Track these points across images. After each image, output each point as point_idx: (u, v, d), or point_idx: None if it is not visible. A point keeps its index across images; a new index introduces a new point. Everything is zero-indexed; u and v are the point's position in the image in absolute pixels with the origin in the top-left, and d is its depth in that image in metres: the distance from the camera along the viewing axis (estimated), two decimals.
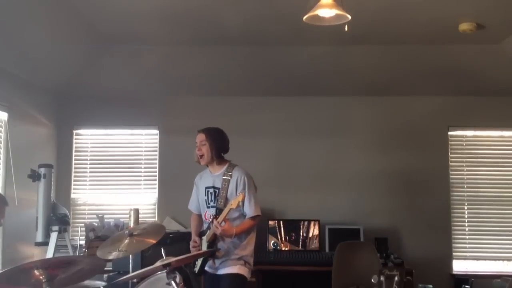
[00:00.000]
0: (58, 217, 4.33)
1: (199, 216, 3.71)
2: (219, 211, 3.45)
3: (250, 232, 3.52)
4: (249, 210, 3.45)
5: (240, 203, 3.34)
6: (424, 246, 5.36)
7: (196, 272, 3.54)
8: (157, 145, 5.63)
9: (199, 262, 3.53)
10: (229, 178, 3.49)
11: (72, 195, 5.56)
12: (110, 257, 3.18)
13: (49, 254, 4.19)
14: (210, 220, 3.48)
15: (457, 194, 5.51)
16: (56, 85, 5.28)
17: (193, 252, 3.51)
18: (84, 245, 4.93)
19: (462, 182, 5.53)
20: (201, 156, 3.56)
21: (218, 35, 4.74)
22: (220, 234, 3.36)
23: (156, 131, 5.65)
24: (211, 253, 3.43)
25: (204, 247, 3.50)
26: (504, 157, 5.54)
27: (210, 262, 3.48)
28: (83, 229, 5.12)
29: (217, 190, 3.53)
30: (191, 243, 3.60)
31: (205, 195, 3.59)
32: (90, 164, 5.64)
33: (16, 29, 4.00)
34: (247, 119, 5.51)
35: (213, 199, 3.55)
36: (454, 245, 5.43)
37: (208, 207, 3.58)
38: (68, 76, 5.22)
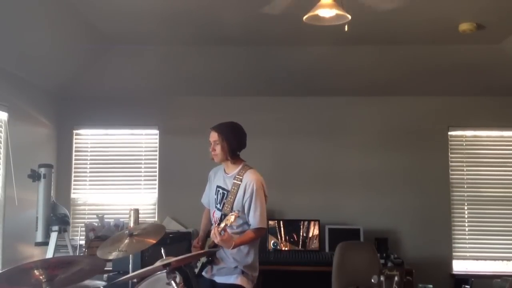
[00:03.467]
0: (58, 217, 4.33)
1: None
2: (223, 217, 3.25)
3: (254, 242, 3.35)
4: (253, 220, 3.26)
5: (235, 222, 3.12)
6: (424, 246, 5.36)
7: (195, 273, 3.43)
8: (157, 145, 5.64)
9: (199, 264, 3.40)
10: (239, 182, 3.30)
11: (72, 195, 5.56)
12: (110, 257, 3.17)
13: (49, 254, 4.19)
14: (215, 225, 3.31)
15: (457, 194, 5.51)
16: (56, 85, 5.29)
17: (194, 252, 3.40)
18: (84, 245, 4.94)
19: (462, 182, 5.53)
20: (215, 156, 3.36)
21: (218, 35, 4.74)
22: (218, 243, 3.16)
23: (156, 131, 5.65)
24: (211, 254, 3.34)
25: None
26: (504, 157, 5.54)
27: (208, 267, 3.36)
28: (83, 229, 5.12)
29: (225, 193, 3.36)
30: (194, 242, 3.48)
31: (215, 194, 3.43)
32: (90, 164, 5.64)
33: (16, 29, 4.00)
34: (247, 119, 5.38)
35: (220, 200, 3.39)
36: (454, 245, 5.43)
37: (216, 207, 3.42)
38: (68, 76, 5.23)
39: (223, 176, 3.43)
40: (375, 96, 5.55)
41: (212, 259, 3.32)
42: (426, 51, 4.99)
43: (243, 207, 3.29)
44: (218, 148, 3.33)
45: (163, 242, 3.33)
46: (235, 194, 3.30)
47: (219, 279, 3.35)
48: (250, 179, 3.30)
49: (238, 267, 3.29)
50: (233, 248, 3.18)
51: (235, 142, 3.35)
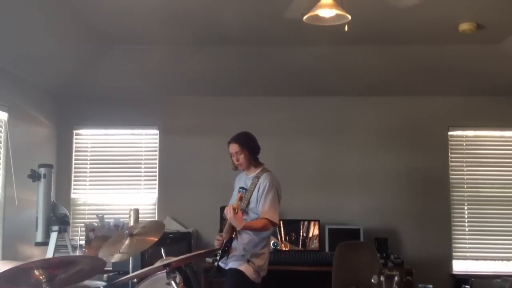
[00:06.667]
0: (58, 217, 4.34)
1: None
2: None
3: (262, 234, 3.58)
4: (261, 210, 3.54)
5: (241, 202, 3.50)
6: (424, 246, 5.36)
7: (216, 269, 3.70)
8: (157, 145, 5.63)
9: (218, 259, 3.68)
10: (257, 181, 3.61)
11: (72, 195, 5.55)
12: (113, 260, 3.18)
13: (49, 254, 4.19)
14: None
15: (457, 194, 5.51)
16: (56, 85, 5.29)
17: (216, 245, 3.63)
18: (84, 245, 4.94)
19: (462, 182, 5.53)
20: (240, 165, 3.68)
21: (218, 35, 4.74)
22: (230, 219, 3.47)
23: (156, 131, 5.65)
24: (211, 252, 3.49)
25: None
26: (504, 157, 5.54)
27: (224, 258, 3.58)
28: (83, 229, 5.12)
29: (245, 191, 3.65)
30: (217, 236, 3.68)
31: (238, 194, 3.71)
32: (90, 164, 5.64)
33: (16, 29, 4.00)
34: (247, 119, 5.50)
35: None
36: (454, 245, 5.43)
37: None
38: (68, 76, 5.22)
39: (244, 178, 3.75)
40: (375, 96, 5.55)
41: (228, 248, 3.54)
42: (426, 51, 4.99)
43: (256, 202, 3.57)
44: (241, 158, 3.66)
45: (163, 242, 3.35)
46: (251, 191, 3.60)
47: (228, 266, 3.58)
48: (265, 179, 3.62)
49: (245, 255, 3.53)
50: (242, 229, 3.47)
51: (254, 148, 3.71)
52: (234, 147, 3.66)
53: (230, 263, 3.56)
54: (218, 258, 3.67)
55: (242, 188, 3.70)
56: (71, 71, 5.17)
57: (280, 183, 3.69)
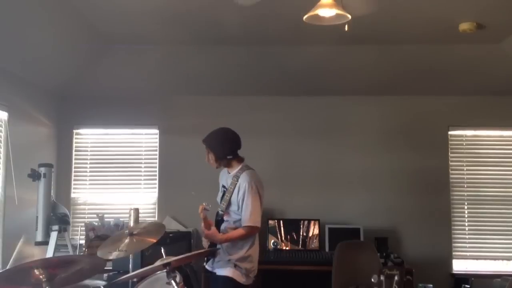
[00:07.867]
0: (58, 217, 4.33)
1: None
2: (220, 213, 3.58)
3: (245, 239, 3.51)
4: (243, 217, 3.47)
5: (206, 211, 3.46)
6: (424, 246, 5.36)
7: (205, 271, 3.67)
8: (157, 145, 5.64)
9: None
10: (236, 182, 3.52)
11: (72, 195, 5.56)
12: (111, 257, 3.18)
13: (49, 253, 4.19)
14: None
15: (457, 194, 5.51)
16: (56, 85, 5.29)
17: (204, 243, 3.61)
18: (84, 244, 4.94)
19: (462, 182, 5.53)
20: (210, 163, 3.65)
21: (218, 35, 4.74)
22: (206, 237, 3.52)
23: (156, 131, 5.65)
24: (211, 253, 3.48)
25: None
26: (504, 157, 5.54)
27: (210, 260, 3.56)
28: (83, 228, 5.12)
29: (225, 190, 3.59)
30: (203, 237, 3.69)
31: (220, 192, 3.68)
32: (90, 163, 5.64)
33: (16, 29, 4.01)
34: (247, 119, 5.51)
35: (221, 198, 3.62)
36: (454, 245, 5.44)
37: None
38: (68, 76, 5.23)
39: (226, 176, 3.66)
40: (375, 96, 5.55)
41: (214, 250, 3.51)
42: (426, 51, 4.99)
43: (237, 205, 3.50)
44: (208, 157, 3.63)
45: (163, 241, 3.35)
46: (231, 192, 3.52)
47: (216, 271, 3.52)
48: (244, 179, 3.51)
49: (231, 260, 3.47)
50: (221, 243, 3.46)
51: (220, 150, 3.58)
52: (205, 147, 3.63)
53: (217, 269, 3.51)
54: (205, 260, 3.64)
55: (223, 187, 3.63)
56: (71, 71, 5.17)
57: (261, 180, 3.58)
